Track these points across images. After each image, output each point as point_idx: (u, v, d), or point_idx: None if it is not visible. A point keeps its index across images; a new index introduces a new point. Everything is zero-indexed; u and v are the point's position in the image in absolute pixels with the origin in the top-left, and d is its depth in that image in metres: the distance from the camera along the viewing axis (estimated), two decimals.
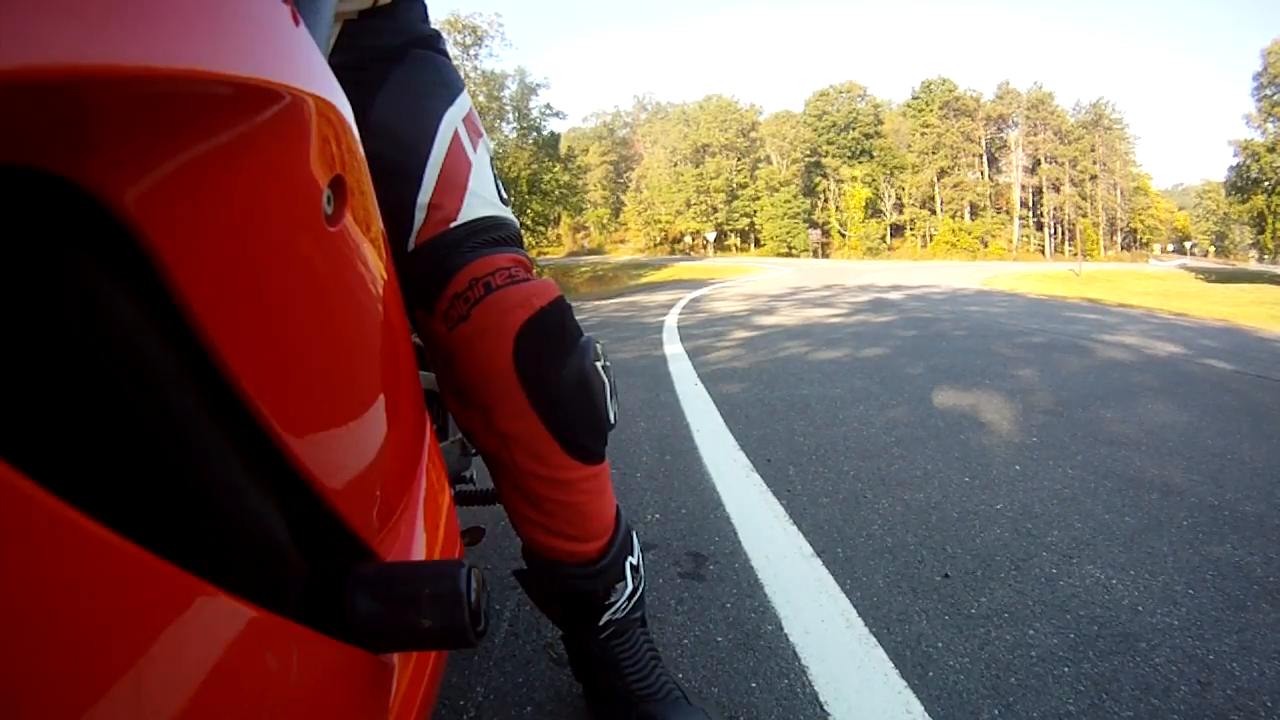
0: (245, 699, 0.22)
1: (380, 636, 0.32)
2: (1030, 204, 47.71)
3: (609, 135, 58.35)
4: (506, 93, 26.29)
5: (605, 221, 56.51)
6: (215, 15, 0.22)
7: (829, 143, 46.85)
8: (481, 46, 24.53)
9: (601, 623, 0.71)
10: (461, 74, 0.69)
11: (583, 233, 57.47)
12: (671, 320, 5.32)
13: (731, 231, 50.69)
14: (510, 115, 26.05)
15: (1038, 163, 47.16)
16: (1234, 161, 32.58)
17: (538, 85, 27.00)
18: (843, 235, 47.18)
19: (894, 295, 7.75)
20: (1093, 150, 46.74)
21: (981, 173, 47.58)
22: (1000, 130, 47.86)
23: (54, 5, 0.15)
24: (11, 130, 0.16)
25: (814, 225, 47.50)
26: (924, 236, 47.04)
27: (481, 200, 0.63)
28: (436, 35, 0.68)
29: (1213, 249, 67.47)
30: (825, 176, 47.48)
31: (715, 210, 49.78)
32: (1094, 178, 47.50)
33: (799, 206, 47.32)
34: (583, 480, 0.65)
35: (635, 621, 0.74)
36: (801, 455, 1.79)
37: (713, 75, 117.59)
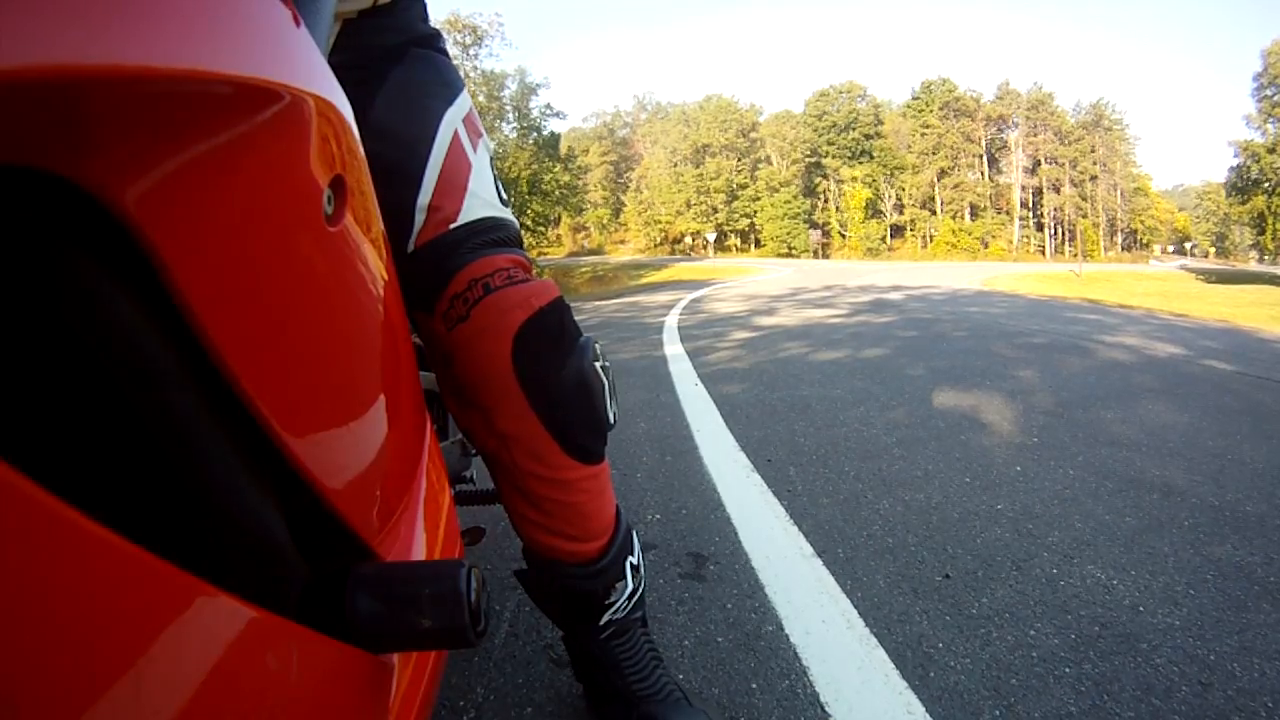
0: (245, 699, 0.22)
1: (380, 636, 0.32)
2: (1030, 205, 47.72)
3: (609, 135, 58.38)
4: (506, 93, 26.31)
5: (605, 222, 56.53)
6: (215, 15, 0.22)
7: (829, 143, 46.86)
8: (481, 46, 24.56)
9: (602, 623, 0.71)
10: (461, 74, 0.69)
11: (583, 233, 57.49)
12: (672, 321, 5.32)
13: (732, 232, 50.70)
14: (510, 115, 26.07)
15: (1038, 163, 47.17)
16: (1234, 162, 32.58)
17: (538, 85, 27.03)
18: (843, 236, 47.19)
19: (894, 296, 7.75)
20: (1093, 151, 46.74)
21: (982, 173, 47.59)
22: (1000, 131, 47.87)
23: (54, 5, 0.15)
24: (11, 130, 0.16)
25: (814, 226, 47.52)
26: (924, 237, 47.04)
27: (481, 201, 0.63)
28: (437, 34, 0.68)
29: (1213, 250, 67.48)
30: (825, 177, 47.50)
31: (715, 211, 49.79)
32: (1094, 178, 47.50)
33: (799, 207, 47.34)
34: (582, 480, 0.65)
35: (636, 622, 0.74)
36: (802, 456, 1.79)
37: (713, 75, 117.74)
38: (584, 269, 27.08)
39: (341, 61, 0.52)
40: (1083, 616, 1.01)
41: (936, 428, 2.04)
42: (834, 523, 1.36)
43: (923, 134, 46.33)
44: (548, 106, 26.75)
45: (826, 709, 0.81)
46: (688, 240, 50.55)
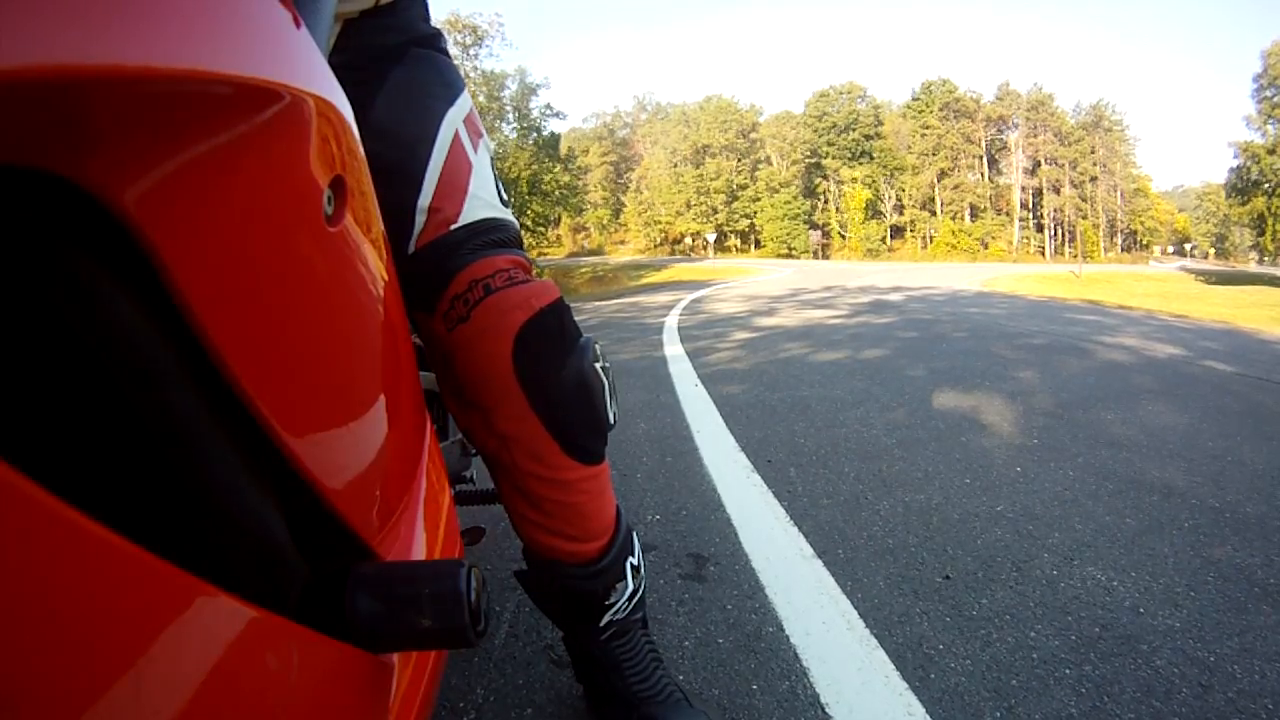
0: (245, 699, 0.22)
1: (380, 636, 0.32)
2: (1030, 205, 47.74)
3: (609, 136, 58.41)
4: (506, 93, 26.33)
5: (605, 222, 56.56)
6: (215, 15, 0.22)
7: (829, 144, 46.89)
8: (482, 46, 24.58)
9: (602, 623, 0.71)
10: (461, 74, 0.69)
11: (583, 233, 57.51)
12: (672, 321, 5.32)
13: (732, 232, 50.73)
14: (510, 115, 26.09)
15: (1038, 164, 47.19)
16: (1234, 163, 32.59)
17: (538, 85, 27.05)
18: (843, 237, 47.21)
19: (894, 297, 7.75)
20: (1093, 152, 46.76)
21: (981, 174, 47.61)
22: (1000, 132, 47.90)
23: (54, 5, 0.15)
24: (11, 130, 0.16)
25: (814, 226, 47.55)
26: (924, 238, 47.07)
27: (482, 202, 0.63)
28: (438, 34, 0.68)
29: (1213, 251, 67.51)
30: (825, 178, 47.53)
31: (715, 211, 49.82)
32: (1094, 179, 47.52)
33: (799, 208, 47.37)
34: (582, 481, 0.64)
35: (636, 622, 0.74)
36: (802, 456, 1.79)
37: (713, 75, 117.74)
38: (584, 269, 27.09)
39: (342, 61, 0.53)
40: (1083, 618, 1.01)
41: (936, 429, 2.04)
42: (834, 524, 1.36)
43: (923, 135, 46.37)
44: (548, 107, 26.76)
45: (827, 710, 0.81)
46: (688, 241, 50.58)
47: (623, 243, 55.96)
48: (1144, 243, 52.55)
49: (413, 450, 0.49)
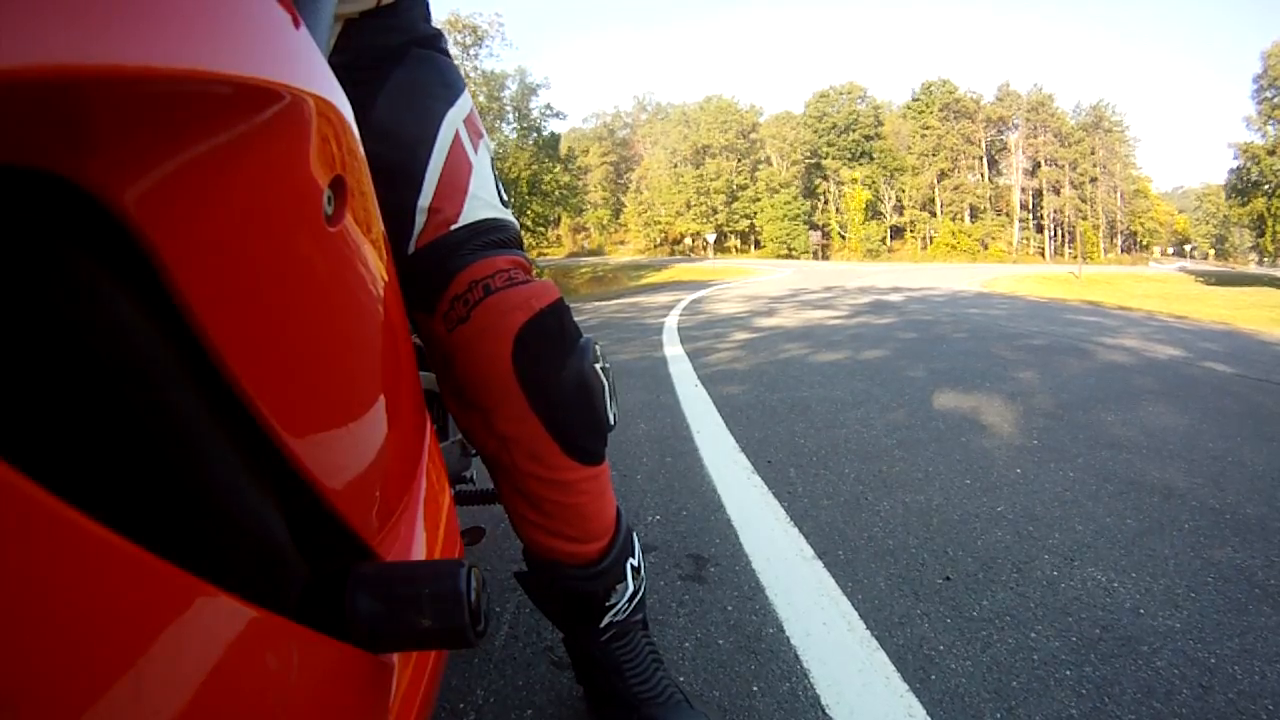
0: (245, 699, 0.22)
1: (380, 636, 0.32)
2: (1030, 206, 47.75)
3: (609, 136, 58.42)
4: (506, 93, 26.34)
5: (605, 222, 56.57)
6: (215, 15, 0.22)
7: (829, 144, 46.91)
8: (482, 46, 24.59)
9: (602, 624, 0.71)
10: (462, 74, 0.69)
11: (583, 234, 57.53)
12: (672, 322, 5.32)
13: (731, 233, 50.74)
14: (510, 115, 26.10)
15: (1038, 165, 47.21)
16: (1234, 164, 32.57)
17: (538, 85, 27.05)
18: (843, 237, 47.22)
19: (894, 297, 7.75)
20: (1093, 153, 46.78)
21: (981, 175, 47.63)
22: (1000, 132, 47.92)
23: (54, 5, 0.15)
24: (11, 130, 0.16)
25: (814, 227, 47.57)
26: (924, 239, 47.08)
27: (482, 202, 0.63)
28: (439, 35, 0.68)
29: (1213, 252, 67.51)
30: (825, 178, 47.54)
31: (715, 212, 49.83)
32: (1094, 180, 47.54)
33: (799, 208, 47.38)
34: (583, 481, 0.64)
35: (636, 624, 0.74)
36: (802, 457, 1.79)
37: (713, 76, 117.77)
38: (584, 269, 27.09)
39: (343, 62, 0.53)
40: (1083, 619, 1.01)
41: (937, 429, 2.04)
42: (835, 524, 1.36)
43: (923, 135, 46.39)
44: (548, 107, 26.77)
45: (828, 712, 0.81)
46: (687, 241, 50.59)
47: (623, 243, 55.98)
48: (1144, 244, 52.57)
49: (413, 450, 0.49)
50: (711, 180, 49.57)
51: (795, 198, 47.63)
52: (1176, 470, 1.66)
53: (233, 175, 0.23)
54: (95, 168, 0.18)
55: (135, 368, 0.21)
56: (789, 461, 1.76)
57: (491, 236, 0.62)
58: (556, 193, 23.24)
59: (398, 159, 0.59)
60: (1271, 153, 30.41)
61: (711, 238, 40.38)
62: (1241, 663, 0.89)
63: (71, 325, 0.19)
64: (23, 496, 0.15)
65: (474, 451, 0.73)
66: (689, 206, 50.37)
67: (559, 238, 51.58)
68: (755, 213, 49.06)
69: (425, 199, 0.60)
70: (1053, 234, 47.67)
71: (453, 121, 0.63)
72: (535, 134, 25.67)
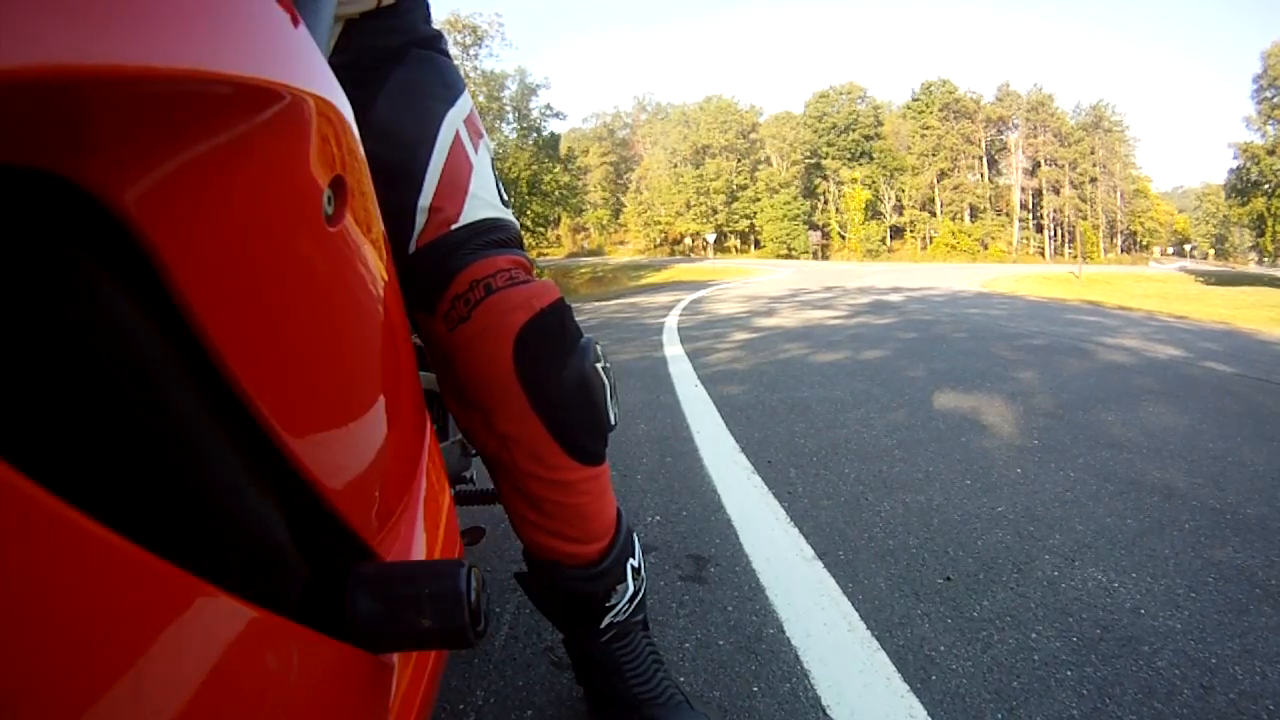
0: (245, 699, 0.22)
1: (380, 636, 0.32)
2: (1030, 206, 47.76)
3: (609, 136, 58.43)
4: (506, 93, 26.36)
5: (605, 223, 56.58)
6: (215, 15, 0.22)
7: (829, 144, 46.91)
8: (481, 46, 24.60)
9: (602, 625, 0.71)
10: (461, 74, 0.69)
11: (583, 234, 57.53)
12: (672, 322, 5.32)
13: (731, 233, 50.75)
14: (510, 116, 26.12)
15: (1037, 165, 47.22)
16: (1234, 164, 32.58)
17: (538, 85, 27.08)
18: (842, 237, 47.23)
19: (894, 297, 7.75)
20: (1093, 152, 46.79)
21: (981, 175, 47.64)
22: (1000, 132, 47.93)
23: (54, 5, 0.15)
24: (11, 130, 0.16)
25: (814, 227, 47.56)
26: (924, 238, 47.09)
27: (482, 202, 0.63)
28: (438, 36, 0.68)
29: (1212, 252, 67.52)
30: (825, 178, 47.55)
31: (715, 212, 49.84)
32: (1094, 180, 47.54)
33: (799, 208, 47.39)
34: (583, 482, 0.64)
35: (637, 624, 0.74)
36: (802, 457, 1.79)
37: (713, 76, 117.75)
38: (584, 270, 27.09)
39: (343, 62, 0.53)
40: (1084, 619, 1.01)
41: (937, 429, 2.04)
42: (835, 525, 1.36)
43: (922, 135, 46.39)
44: (547, 107, 26.78)
45: (829, 713, 0.81)
46: (687, 241, 50.59)
47: (622, 243, 55.98)
48: (1144, 243, 52.58)
49: (413, 450, 0.49)
50: (711, 180, 49.58)
51: (795, 198, 47.64)
52: (1177, 470, 1.66)
53: (233, 175, 0.23)
54: (95, 168, 0.18)
55: (135, 368, 0.21)
56: (789, 462, 1.76)
57: (492, 236, 0.62)
58: (556, 193, 23.24)
59: (398, 159, 0.59)
60: (1271, 152, 30.41)
61: (711, 238, 40.41)
62: (1242, 663, 0.89)
63: (71, 325, 0.19)
64: (23, 496, 0.15)
65: (474, 451, 0.73)
66: (689, 206, 50.38)
67: (559, 238, 51.59)
68: (755, 213, 49.07)
69: (426, 198, 0.60)
70: (1052, 234, 47.67)
71: (453, 121, 0.63)
72: (535, 134, 25.68)
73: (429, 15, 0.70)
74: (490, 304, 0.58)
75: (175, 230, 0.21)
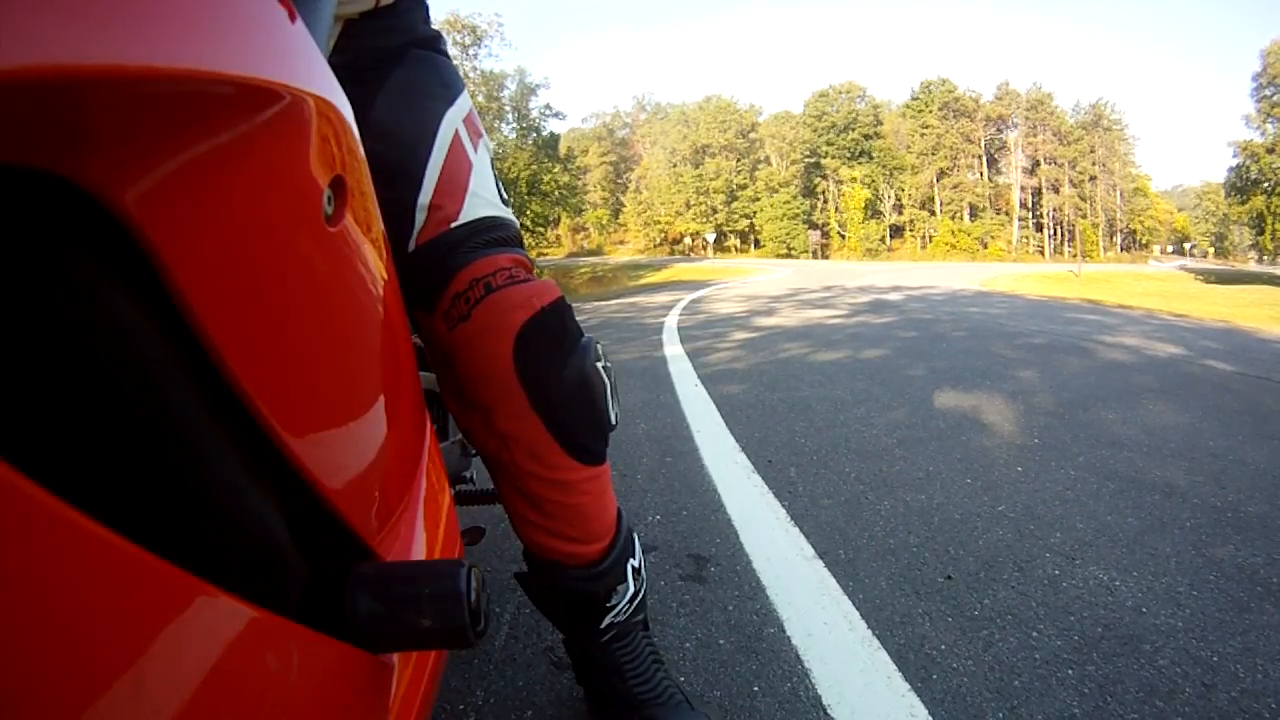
0: (245, 699, 0.22)
1: (380, 636, 0.32)
2: (1029, 205, 47.76)
3: (608, 136, 58.42)
4: (506, 93, 26.37)
5: (605, 222, 56.57)
6: (216, 15, 0.22)
7: (828, 143, 46.91)
8: (481, 46, 24.60)
9: (603, 625, 0.71)
10: (461, 74, 0.69)
11: (582, 234, 57.52)
12: (671, 321, 5.32)
13: (731, 232, 50.75)
14: (510, 116, 26.13)
15: (1037, 164, 47.22)
16: (1233, 162, 32.59)
17: (537, 85, 27.09)
18: (842, 236, 47.23)
19: (893, 296, 7.75)
20: (1092, 151, 46.78)
21: (981, 174, 47.63)
22: (999, 131, 47.92)
23: (54, 5, 0.15)
24: (11, 130, 0.16)
25: (813, 226, 47.56)
26: (923, 237, 47.08)
27: (482, 200, 0.63)
28: (438, 36, 0.69)
29: (1212, 250, 67.51)
30: (825, 177, 47.54)
31: (715, 211, 49.84)
32: (1093, 179, 47.53)
33: (798, 207, 47.39)
34: (583, 481, 0.64)
35: (637, 624, 0.74)
36: (802, 456, 1.79)
37: (712, 75, 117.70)
38: (583, 269, 27.08)
39: (342, 62, 0.53)
40: (1085, 618, 1.01)
41: (937, 428, 2.04)
42: (835, 524, 1.36)
43: (922, 134, 46.39)
44: (547, 107, 26.80)
45: (829, 712, 0.81)
46: (687, 241, 50.59)
47: (622, 243, 55.97)
48: (1143, 242, 52.57)
49: (413, 450, 0.49)
50: (711, 180, 49.58)
51: (794, 197, 47.64)
52: (1177, 468, 1.66)
53: (233, 175, 0.23)
54: (95, 168, 0.18)
55: (135, 368, 0.21)
56: (789, 461, 1.76)
57: (492, 234, 0.62)
58: (556, 193, 23.25)
59: (397, 158, 0.59)
60: (1271, 150, 30.41)
61: (711, 237, 40.44)
62: (1244, 661, 0.89)
63: (71, 325, 0.19)
64: (23, 496, 0.15)
65: (474, 451, 0.73)
66: (688, 206, 50.38)
67: (558, 238, 51.61)
68: (754, 212, 49.07)
69: (425, 196, 0.60)
70: (1052, 232, 47.67)
71: (452, 121, 0.63)
72: (534, 134, 25.70)
73: (428, 16, 0.70)
74: (490, 302, 0.58)
75: (175, 230, 0.21)
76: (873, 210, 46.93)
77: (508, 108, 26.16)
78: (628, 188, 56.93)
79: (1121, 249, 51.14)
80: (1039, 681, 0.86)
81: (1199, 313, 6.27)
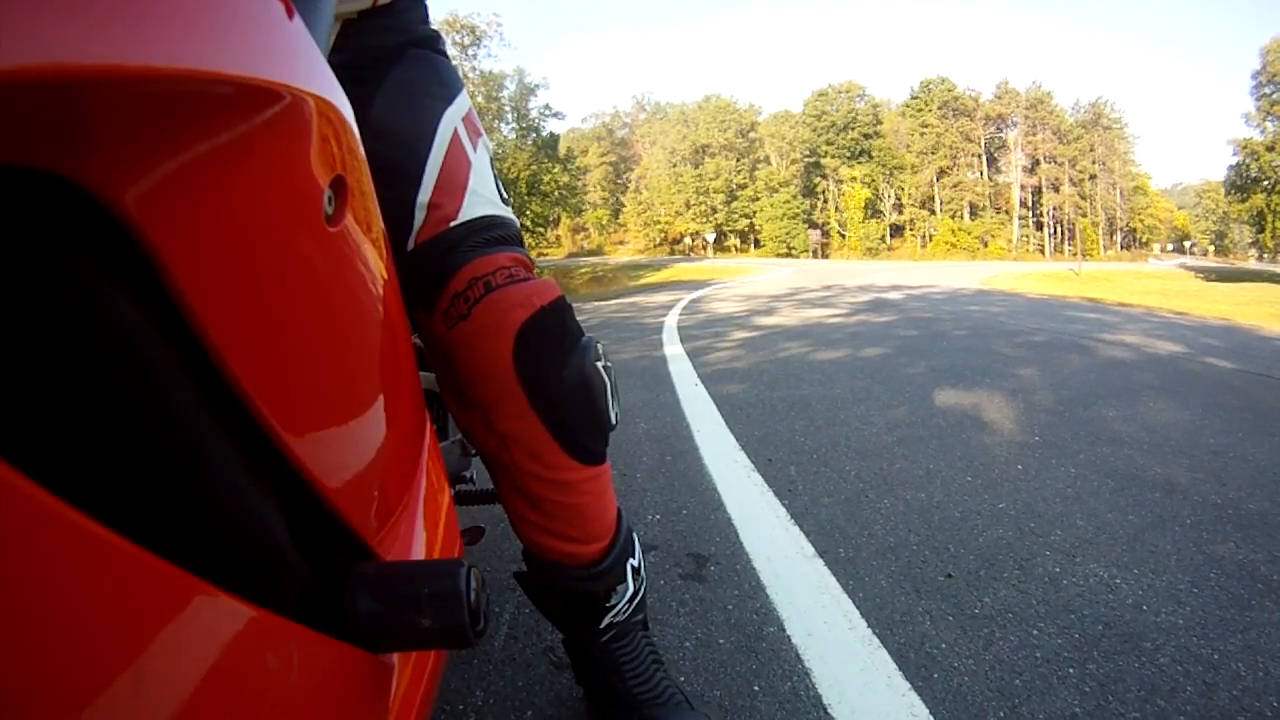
0: (245, 699, 0.22)
1: (380, 636, 0.32)
2: (1029, 204, 47.73)
3: (608, 136, 58.39)
4: (505, 93, 26.35)
5: (605, 222, 56.55)
6: (216, 15, 0.22)
7: (828, 143, 46.88)
8: (480, 47, 24.59)
9: (602, 625, 0.71)
10: (460, 74, 0.69)
11: (582, 234, 57.51)
12: (671, 321, 5.32)
13: (731, 232, 50.73)
14: (509, 116, 26.11)
15: (1037, 162, 47.19)
16: (1233, 160, 32.57)
17: (536, 85, 27.06)
18: (842, 236, 47.21)
19: (894, 295, 7.75)
20: (1092, 150, 46.76)
21: (981, 173, 47.60)
22: (999, 130, 47.89)
23: (54, 5, 0.15)
24: (11, 130, 0.16)
25: (813, 226, 47.55)
26: (923, 236, 47.06)
27: (481, 199, 0.63)
28: (436, 36, 0.69)
29: (1212, 248, 67.47)
30: (824, 177, 47.52)
31: (714, 211, 49.82)
32: (1093, 177, 47.51)
33: (798, 207, 47.37)
34: (583, 482, 0.64)
35: (636, 624, 0.74)
36: (802, 455, 1.79)
37: (711, 75, 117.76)
38: (583, 270, 27.07)
39: (340, 61, 0.52)
40: (1086, 616, 1.01)
41: (937, 426, 2.04)
42: (835, 522, 1.36)
43: (921, 133, 46.35)
44: (546, 107, 26.77)
45: (830, 711, 0.81)
46: (687, 241, 50.57)
47: (622, 243, 55.96)
48: (1143, 240, 52.57)
49: (413, 450, 0.49)
50: (710, 180, 49.55)
51: (794, 197, 47.62)
52: (1178, 466, 1.66)
53: (233, 175, 0.23)
54: (95, 168, 0.18)
55: (135, 368, 0.21)
56: (789, 460, 1.76)
57: (492, 233, 0.62)
58: (556, 193, 23.24)
59: (396, 157, 0.59)
60: (1270, 149, 30.38)
61: (711, 237, 40.42)
62: (1245, 659, 0.89)
63: (71, 325, 0.19)
64: (23, 496, 0.15)
65: (474, 451, 0.73)
66: (688, 206, 50.35)
67: (558, 238, 51.61)
68: (754, 212, 49.05)
69: (424, 194, 0.60)
70: (1052, 231, 47.65)
71: (451, 119, 0.63)
72: (534, 134, 25.68)
73: (426, 15, 0.70)
74: (490, 301, 0.58)
75: (175, 230, 0.21)
76: (873, 209, 46.91)
77: (507, 108, 26.15)
78: (627, 188, 56.90)
79: (1121, 247, 51.13)
80: (1040, 680, 0.86)
81: (1199, 310, 6.27)
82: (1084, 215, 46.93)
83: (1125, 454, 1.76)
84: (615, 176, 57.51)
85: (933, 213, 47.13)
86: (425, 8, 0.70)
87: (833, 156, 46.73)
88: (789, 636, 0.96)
